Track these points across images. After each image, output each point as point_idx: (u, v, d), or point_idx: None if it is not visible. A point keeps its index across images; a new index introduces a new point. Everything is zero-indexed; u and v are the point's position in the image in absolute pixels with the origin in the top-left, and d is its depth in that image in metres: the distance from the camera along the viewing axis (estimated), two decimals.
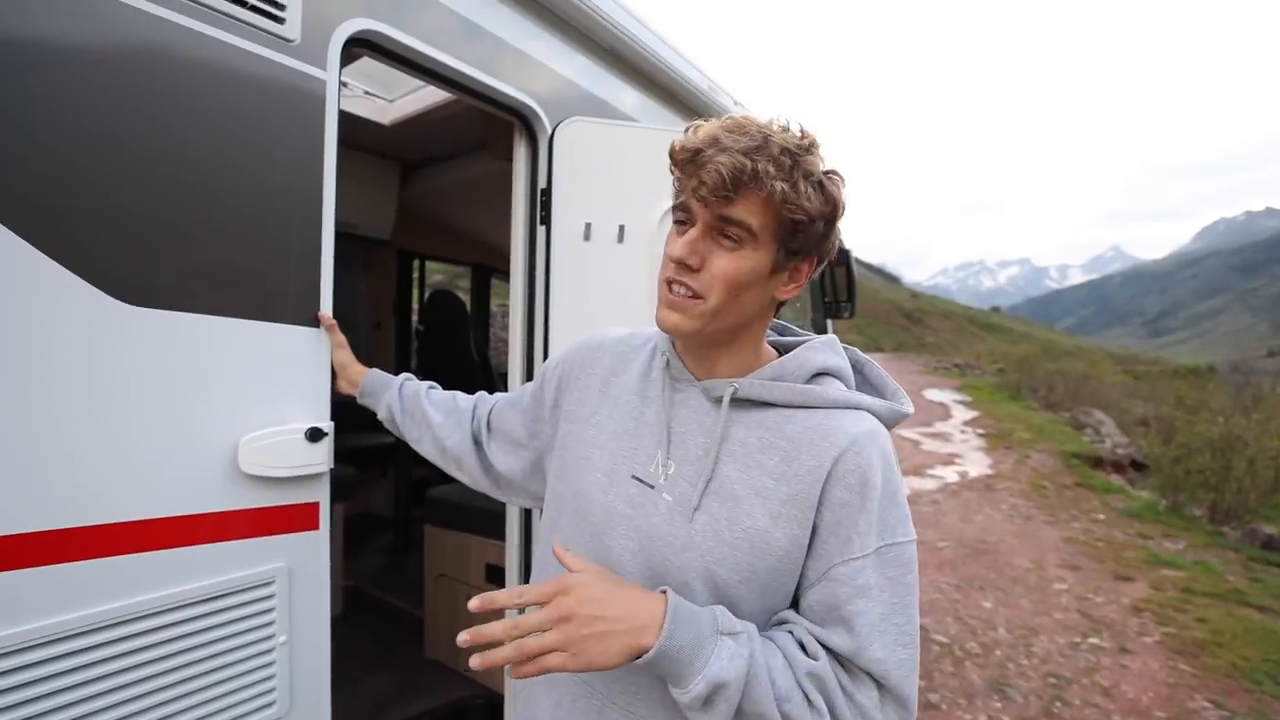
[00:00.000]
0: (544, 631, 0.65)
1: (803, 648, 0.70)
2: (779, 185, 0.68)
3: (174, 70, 0.96)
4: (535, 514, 1.63)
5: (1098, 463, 9.23)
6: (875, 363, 0.86)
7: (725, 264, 0.72)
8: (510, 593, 0.68)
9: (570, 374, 0.95)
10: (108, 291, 0.90)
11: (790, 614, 0.74)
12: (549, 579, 0.69)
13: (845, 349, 0.85)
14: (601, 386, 0.90)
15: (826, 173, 0.73)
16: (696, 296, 0.73)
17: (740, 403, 0.77)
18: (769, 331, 0.85)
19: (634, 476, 0.80)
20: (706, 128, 0.72)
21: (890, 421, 0.79)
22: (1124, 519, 6.54)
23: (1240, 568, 5.15)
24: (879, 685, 0.69)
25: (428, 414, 1.12)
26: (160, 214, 0.96)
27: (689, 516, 0.74)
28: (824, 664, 0.68)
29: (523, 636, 0.65)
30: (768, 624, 0.75)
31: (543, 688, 0.84)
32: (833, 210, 0.73)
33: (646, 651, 0.64)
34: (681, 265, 0.73)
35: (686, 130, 0.75)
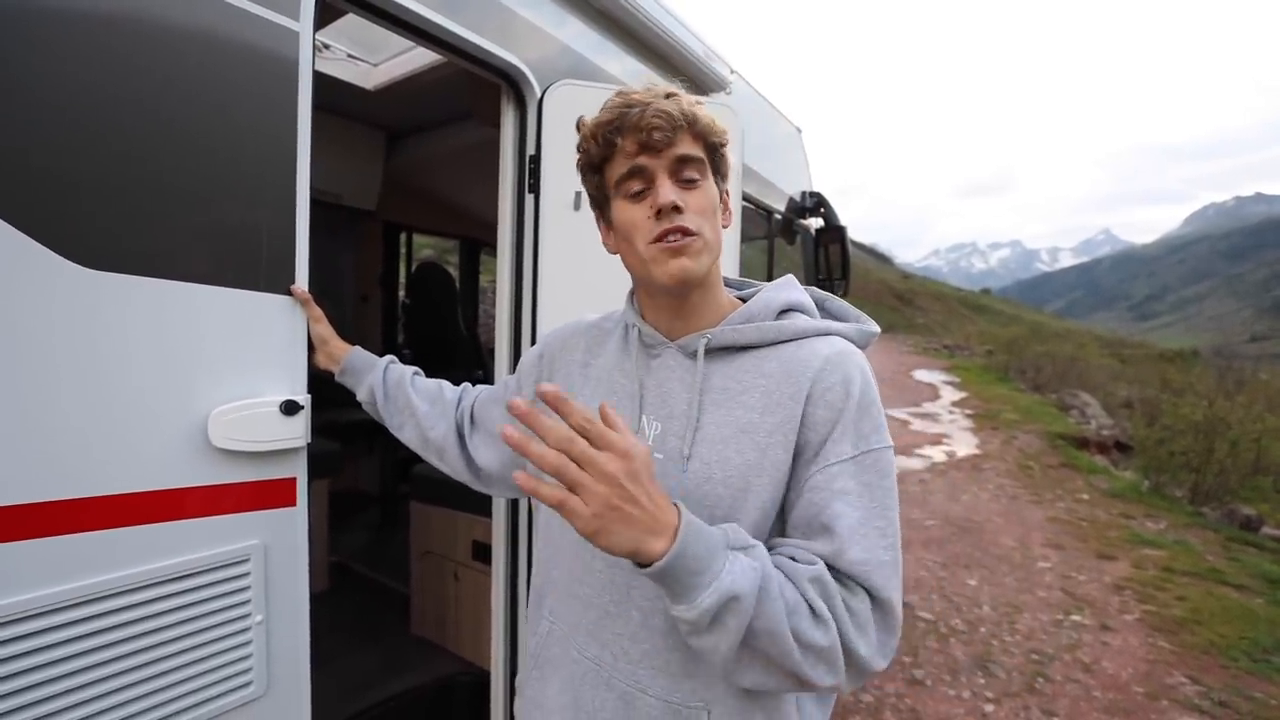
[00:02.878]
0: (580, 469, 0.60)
1: (797, 560, 0.70)
2: (704, 117, 0.77)
3: (132, 19, 0.89)
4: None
5: (1083, 444, 9.35)
6: (834, 296, 0.90)
7: (698, 198, 0.77)
8: (580, 416, 0.61)
9: (548, 366, 0.96)
10: (62, 253, 0.84)
11: (777, 539, 0.75)
12: (620, 433, 0.62)
13: (806, 289, 0.89)
14: (581, 369, 0.92)
15: None
16: (692, 234, 0.76)
17: (716, 352, 0.80)
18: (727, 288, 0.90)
19: None
20: (605, 106, 0.78)
21: (860, 342, 0.83)
22: (1107, 499, 6.64)
23: (1219, 547, 5.25)
24: (863, 587, 0.69)
25: (413, 401, 1.10)
26: (119, 172, 0.89)
27: (682, 465, 0.76)
28: (822, 568, 0.68)
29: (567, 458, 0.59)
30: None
31: (551, 668, 0.86)
32: (726, 133, 0.82)
33: (654, 558, 0.61)
34: (673, 210, 0.75)
35: (579, 122, 0.81)
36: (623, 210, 0.79)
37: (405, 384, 1.13)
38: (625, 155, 0.77)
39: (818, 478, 0.72)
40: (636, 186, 0.77)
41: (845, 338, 0.81)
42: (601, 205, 0.85)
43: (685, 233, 0.75)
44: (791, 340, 0.79)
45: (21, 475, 0.82)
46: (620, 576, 0.78)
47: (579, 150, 0.82)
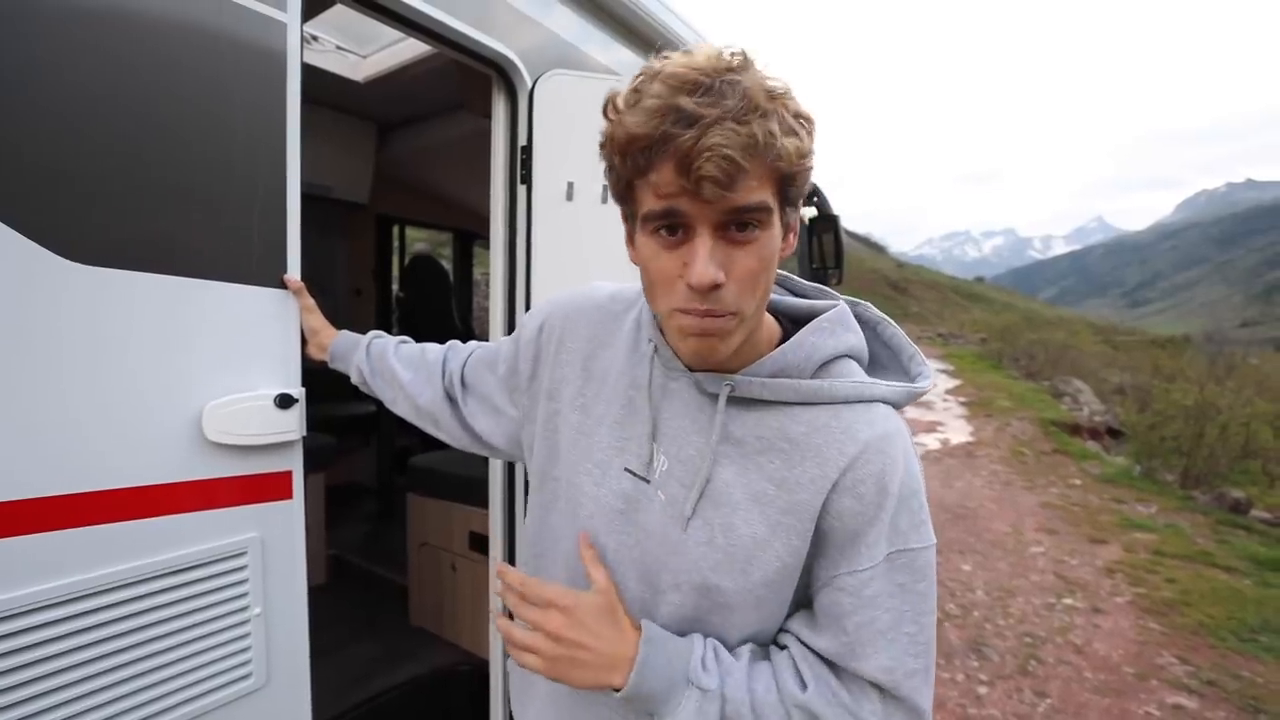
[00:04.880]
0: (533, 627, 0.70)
1: (799, 672, 0.67)
2: (787, 145, 0.55)
3: (118, 11, 0.88)
4: (520, 477, 1.60)
5: (1075, 430, 9.43)
6: (890, 321, 0.77)
7: (751, 262, 0.58)
8: (517, 577, 0.73)
9: (547, 344, 0.85)
10: (50, 248, 0.83)
11: (791, 623, 0.71)
12: (554, 584, 0.72)
13: (856, 306, 0.77)
14: (583, 363, 0.81)
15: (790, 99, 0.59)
16: (730, 314, 0.59)
17: (737, 400, 0.68)
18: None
19: (627, 469, 0.73)
20: (649, 96, 0.54)
21: (904, 403, 0.71)
22: (1099, 484, 6.71)
23: (1209, 530, 5.32)
24: (885, 695, 0.64)
25: (396, 372, 1.04)
26: (108, 166, 0.89)
27: (681, 524, 0.68)
28: (813, 694, 0.64)
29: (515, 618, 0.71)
30: (769, 636, 0.72)
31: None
32: (814, 139, 0.59)
33: (616, 688, 0.66)
34: (711, 290, 0.57)
35: (609, 105, 0.59)
36: (648, 248, 0.61)
37: (388, 355, 1.07)
38: (657, 193, 0.56)
39: (847, 580, 0.64)
40: (667, 226, 0.59)
41: (890, 402, 0.68)
42: (624, 214, 0.67)
43: (720, 314, 0.59)
44: (827, 404, 0.66)
45: (17, 471, 0.82)
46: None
47: (600, 148, 0.62)
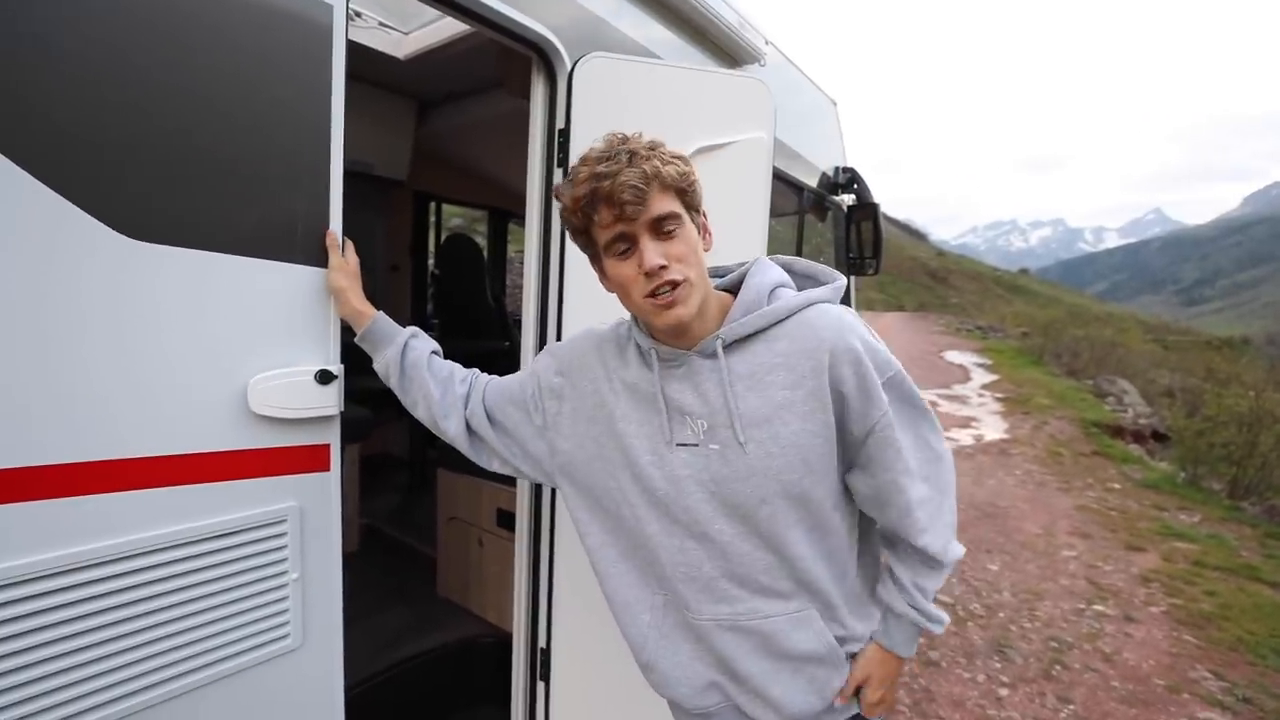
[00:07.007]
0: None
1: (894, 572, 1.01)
2: (668, 170, 0.87)
3: None
4: None
5: (1118, 432, 9.10)
6: (796, 258, 1.05)
7: (679, 245, 0.89)
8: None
9: (570, 383, 1.08)
10: (111, 225, 0.87)
11: (888, 578, 1.02)
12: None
13: (770, 259, 1.03)
14: (608, 383, 1.03)
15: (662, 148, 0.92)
16: (679, 283, 0.87)
17: (730, 346, 0.93)
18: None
19: (679, 444, 0.94)
20: (576, 179, 0.88)
21: (836, 298, 0.97)
22: (1140, 489, 6.48)
23: (1256, 543, 5.10)
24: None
25: (429, 386, 1.16)
26: (162, 145, 0.92)
27: (740, 451, 0.90)
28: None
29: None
30: (837, 495, 0.96)
31: (679, 634, 1.02)
32: (690, 167, 0.92)
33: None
34: (660, 270, 0.87)
35: (557, 192, 0.94)
36: (614, 267, 0.91)
37: (422, 367, 1.17)
38: (605, 226, 0.88)
39: (871, 443, 0.91)
40: (622, 247, 0.89)
41: (826, 300, 0.95)
42: (594, 259, 0.97)
43: (674, 284, 0.87)
44: (788, 318, 0.92)
45: (83, 436, 0.87)
46: (715, 547, 0.95)
47: (561, 217, 0.94)
